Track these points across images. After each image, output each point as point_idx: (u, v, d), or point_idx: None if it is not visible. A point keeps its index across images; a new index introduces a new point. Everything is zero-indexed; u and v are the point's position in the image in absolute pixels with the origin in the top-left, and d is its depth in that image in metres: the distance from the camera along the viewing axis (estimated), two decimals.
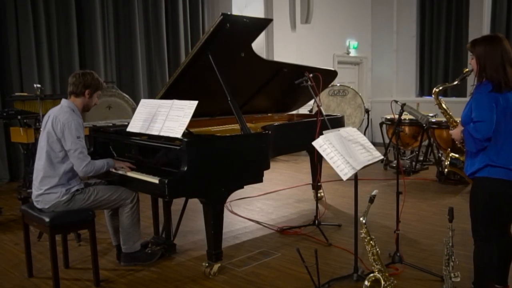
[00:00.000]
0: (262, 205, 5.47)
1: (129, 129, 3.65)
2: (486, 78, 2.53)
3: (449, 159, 2.89)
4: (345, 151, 2.89)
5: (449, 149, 3.06)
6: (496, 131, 2.49)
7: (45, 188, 3.20)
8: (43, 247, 3.95)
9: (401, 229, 3.53)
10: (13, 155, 6.94)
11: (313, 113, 6.90)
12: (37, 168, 3.29)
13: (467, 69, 2.77)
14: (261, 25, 3.95)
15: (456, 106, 3.73)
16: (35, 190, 3.27)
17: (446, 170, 2.93)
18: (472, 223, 2.67)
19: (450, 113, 2.89)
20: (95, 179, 3.72)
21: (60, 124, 3.18)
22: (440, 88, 2.92)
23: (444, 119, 2.94)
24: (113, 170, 3.46)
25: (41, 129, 3.37)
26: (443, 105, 2.91)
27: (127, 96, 7.10)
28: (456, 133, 2.68)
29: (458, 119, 2.75)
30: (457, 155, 2.89)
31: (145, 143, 3.54)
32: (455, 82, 2.91)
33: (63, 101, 3.34)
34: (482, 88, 2.53)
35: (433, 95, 2.94)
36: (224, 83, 3.64)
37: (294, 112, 5.70)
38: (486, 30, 9.23)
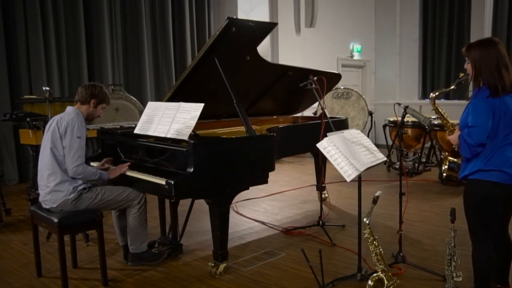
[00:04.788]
0: (267, 206, 5.51)
1: (136, 131, 3.70)
2: (483, 82, 2.53)
3: (447, 163, 2.91)
4: (349, 153, 2.93)
5: (447, 153, 3.09)
6: (494, 137, 2.49)
7: (52, 185, 3.23)
8: (51, 247, 4.00)
9: (404, 230, 3.57)
10: (22, 157, 7.02)
11: (318, 115, 6.94)
12: (41, 167, 3.33)
13: (462, 74, 2.76)
14: (266, 29, 3.99)
15: (457, 109, 3.74)
16: (43, 189, 3.30)
17: (444, 174, 2.95)
18: (468, 225, 2.68)
19: (447, 118, 2.88)
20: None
21: (64, 123, 3.26)
22: (437, 93, 2.90)
23: None
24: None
25: (44, 132, 3.42)
26: (440, 110, 2.89)
27: (134, 98, 7.17)
28: (454, 138, 2.68)
29: (456, 121, 2.78)
30: (455, 159, 2.90)
31: (152, 145, 3.58)
32: (451, 87, 2.88)
33: (68, 107, 3.42)
34: (480, 94, 2.52)
35: (429, 101, 2.93)
36: (230, 86, 3.68)
37: (298, 114, 5.74)
38: (487, 34, 9.26)
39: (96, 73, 7.63)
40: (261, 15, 9.36)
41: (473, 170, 2.56)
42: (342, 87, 8.77)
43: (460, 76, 2.80)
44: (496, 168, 2.50)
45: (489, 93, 2.49)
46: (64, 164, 3.26)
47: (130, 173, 3.49)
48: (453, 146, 2.74)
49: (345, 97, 8.83)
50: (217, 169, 3.30)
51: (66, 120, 3.26)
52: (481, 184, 2.54)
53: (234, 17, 3.81)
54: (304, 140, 4.42)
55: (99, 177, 3.38)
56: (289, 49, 9.40)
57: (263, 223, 4.77)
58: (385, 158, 3.22)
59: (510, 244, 2.78)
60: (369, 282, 2.74)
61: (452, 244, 2.74)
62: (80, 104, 3.43)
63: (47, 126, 3.41)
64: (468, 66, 2.62)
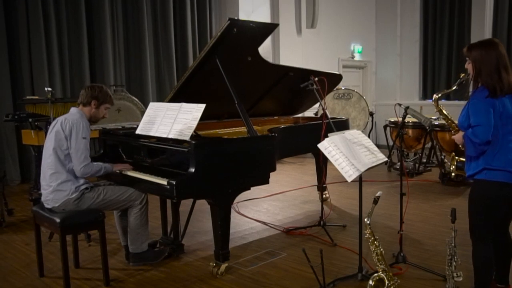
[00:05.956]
0: (268, 206, 5.52)
1: (138, 131, 3.71)
2: (481, 83, 2.57)
3: (455, 163, 2.92)
4: (350, 153, 2.94)
5: (454, 153, 3.09)
6: (494, 135, 2.51)
7: (55, 184, 3.25)
8: (53, 247, 4.01)
9: (404, 230, 3.58)
10: (24, 157, 7.05)
11: (319, 116, 6.96)
12: (43, 167, 3.35)
13: (463, 74, 2.79)
14: (267, 29, 3.99)
15: (458, 109, 3.74)
16: (45, 189, 3.32)
17: (453, 174, 2.95)
18: (470, 224, 2.70)
19: (451, 119, 2.89)
20: (105, 180, 3.78)
21: (69, 124, 3.28)
22: (440, 95, 2.91)
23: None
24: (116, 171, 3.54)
25: (47, 133, 3.45)
26: (444, 111, 2.90)
27: (136, 99, 7.18)
28: (458, 138, 2.71)
29: None
30: (462, 159, 2.92)
31: (153, 146, 3.59)
32: (453, 88, 2.90)
33: (72, 108, 3.46)
34: (478, 94, 2.56)
35: (433, 103, 2.93)
36: (231, 86, 3.69)
37: (300, 115, 5.75)
38: (488, 35, 9.29)
39: (98, 73, 7.65)
40: (262, 16, 9.38)
41: (478, 169, 2.59)
42: (343, 88, 8.79)
43: (461, 77, 2.82)
44: (501, 168, 2.53)
45: (487, 93, 2.52)
46: (67, 164, 3.28)
47: (131, 174, 3.50)
48: (459, 145, 2.76)
49: (346, 98, 8.84)
50: (219, 169, 3.31)
51: (71, 121, 3.29)
52: (488, 185, 2.57)
53: (236, 18, 3.80)
54: (305, 141, 4.42)
55: (104, 171, 3.41)
56: (290, 50, 9.42)
57: (264, 223, 4.78)
58: (386, 159, 3.23)
59: (510, 243, 2.79)
60: (370, 282, 2.74)
61: (453, 244, 2.75)
62: (82, 106, 3.47)
63: (50, 127, 3.43)
64: (468, 66, 2.65)
